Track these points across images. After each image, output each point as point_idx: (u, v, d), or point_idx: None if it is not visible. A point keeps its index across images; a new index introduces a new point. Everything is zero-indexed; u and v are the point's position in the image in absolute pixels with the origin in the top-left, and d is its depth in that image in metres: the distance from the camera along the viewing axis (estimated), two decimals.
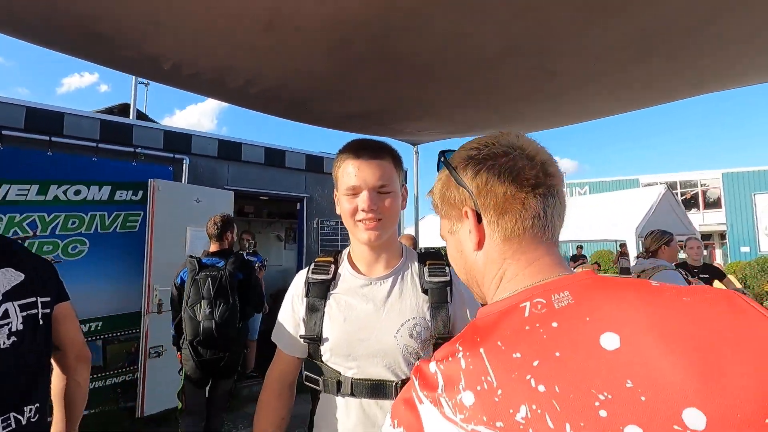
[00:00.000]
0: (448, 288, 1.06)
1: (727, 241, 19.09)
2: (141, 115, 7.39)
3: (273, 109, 1.89)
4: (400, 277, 1.09)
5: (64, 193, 3.67)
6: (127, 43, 1.27)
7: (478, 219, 0.61)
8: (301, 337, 1.09)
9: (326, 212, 5.45)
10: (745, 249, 17.97)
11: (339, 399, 1.03)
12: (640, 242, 9.15)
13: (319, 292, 1.09)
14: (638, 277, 3.11)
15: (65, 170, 3.70)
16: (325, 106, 1.68)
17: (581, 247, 10.84)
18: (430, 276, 1.07)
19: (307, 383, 1.11)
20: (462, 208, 0.63)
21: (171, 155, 4.26)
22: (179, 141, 4.37)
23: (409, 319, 1.02)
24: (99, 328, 3.76)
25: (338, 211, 1.10)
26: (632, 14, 1.11)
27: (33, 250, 3.51)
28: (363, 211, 1.02)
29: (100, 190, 3.83)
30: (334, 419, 1.05)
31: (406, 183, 1.14)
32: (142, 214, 4.01)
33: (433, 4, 1.04)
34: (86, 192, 3.77)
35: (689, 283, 3.07)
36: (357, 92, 1.49)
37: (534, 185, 0.58)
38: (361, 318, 1.04)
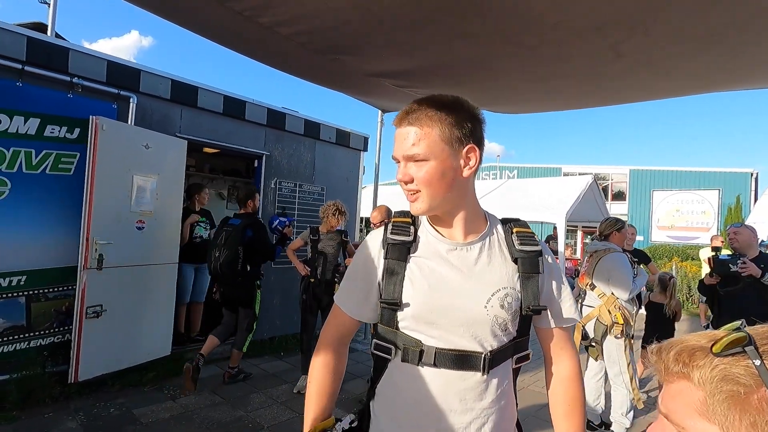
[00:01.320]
0: (540, 258, 1.03)
1: None
2: (60, 39, 6.30)
3: (294, 59, 1.68)
4: (488, 243, 1.03)
5: None
6: None
7: None
8: (380, 301, 1.01)
9: (285, 172, 5.16)
10: (639, 238, 20.55)
11: (419, 368, 0.98)
12: (566, 226, 10.01)
13: (399, 255, 1.01)
14: (590, 256, 3.38)
15: None
16: (362, 57, 1.52)
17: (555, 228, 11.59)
18: (521, 244, 1.03)
19: (375, 351, 1.04)
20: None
21: (116, 91, 3.69)
22: (126, 75, 3.79)
23: (500, 289, 0.98)
24: (22, 283, 3.25)
25: None
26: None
27: None
28: (399, 180, 0.99)
29: (25, 123, 3.22)
30: (409, 390, 0.99)
31: (473, 142, 0.97)
32: (78, 156, 3.46)
33: None
34: (8, 123, 3.14)
35: (634, 265, 3.39)
36: (410, 47, 1.36)
37: None
38: (448, 285, 0.98)
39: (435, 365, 0.97)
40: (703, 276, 3.73)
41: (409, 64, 1.54)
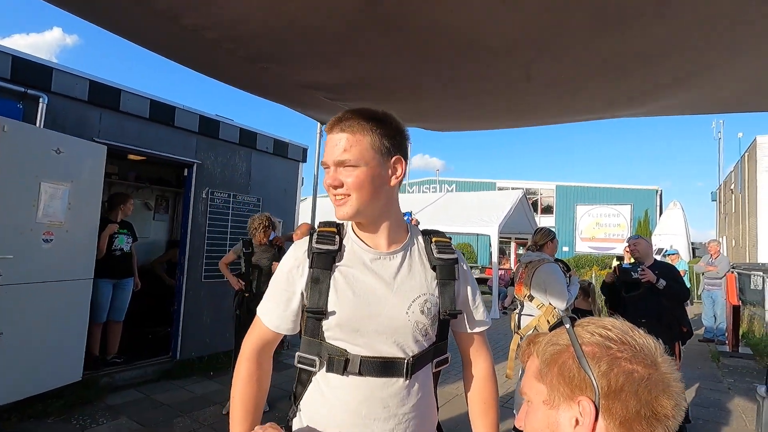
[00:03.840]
0: (456, 265, 1.08)
1: None
2: None
3: (222, 66, 1.63)
4: (408, 253, 1.07)
5: None
6: None
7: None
8: (305, 310, 1.01)
9: (218, 182, 4.95)
10: (565, 248, 22.24)
11: (343, 378, 0.98)
12: (498, 237, 10.54)
13: (324, 263, 1.01)
14: (526, 267, 3.52)
15: None
16: (296, 69, 1.50)
17: (450, 238, 12.00)
18: (439, 253, 1.07)
19: (299, 365, 1.03)
20: (578, 394, 0.60)
21: (22, 89, 3.35)
22: (35, 73, 3.45)
23: (419, 296, 1.02)
24: None
25: None
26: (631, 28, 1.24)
27: None
28: (327, 186, 1.01)
29: None
30: (333, 401, 0.99)
31: (400, 154, 1.02)
32: None
33: None
34: None
35: (566, 274, 3.42)
36: (344, 59, 1.37)
37: (669, 417, 0.56)
38: (372, 293, 1.00)
39: (360, 374, 0.98)
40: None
41: (338, 77, 1.56)
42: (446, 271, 1.07)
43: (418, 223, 6.84)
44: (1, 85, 3.25)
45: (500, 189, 22.89)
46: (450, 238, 1.15)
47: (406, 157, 1.06)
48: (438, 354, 1.09)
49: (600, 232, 22.84)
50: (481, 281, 12.56)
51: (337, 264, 1.03)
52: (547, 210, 24.78)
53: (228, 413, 3.53)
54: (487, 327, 1.17)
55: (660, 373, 0.58)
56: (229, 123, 5.04)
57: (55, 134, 3.42)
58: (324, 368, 1.00)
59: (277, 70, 1.66)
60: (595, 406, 0.57)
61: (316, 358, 1.01)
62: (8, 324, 3.08)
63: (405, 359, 0.99)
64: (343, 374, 0.98)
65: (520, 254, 10.87)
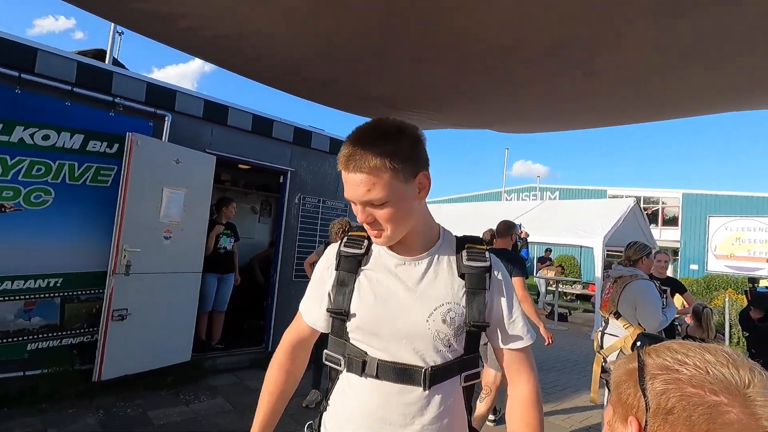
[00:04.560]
0: (487, 274, 1.01)
1: (678, 257, 20.24)
2: (117, 64, 6.91)
3: (286, 82, 1.76)
4: (435, 259, 1.03)
5: (31, 136, 3.37)
6: None
7: None
8: (327, 311, 1.05)
9: (309, 188, 5.31)
10: (694, 266, 19.11)
11: (362, 380, 0.99)
12: (605, 250, 9.53)
13: (350, 266, 1.04)
14: (615, 282, 3.19)
15: (34, 112, 3.39)
16: (347, 85, 1.57)
17: (550, 250, 11.18)
18: (468, 260, 1.02)
19: (327, 362, 1.06)
20: (630, 412, 0.57)
21: (152, 110, 3.99)
22: (163, 96, 4.10)
23: (442, 304, 0.98)
24: (59, 284, 3.52)
25: None
26: (689, 17, 1.08)
27: None
28: (360, 222, 1.00)
29: (71, 138, 3.55)
30: (354, 400, 1.01)
31: (422, 168, 0.97)
32: (116, 169, 3.75)
33: None
34: (56, 138, 3.48)
35: (662, 293, 3.15)
36: (387, 72, 1.39)
37: None
38: (392, 297, 0.99)
39: (377, 377, 0.98)
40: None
41: (391, 89, 1.58)
42: (475, 279, 1.01)
43: (528, 235, 6.49)
44: (137, 107, 3.90)
45: (613, 197, 20.63)
46: (485, 246, 1.08)
47: (427, 165, 1.01)
48: (466, 368, 1.03)
49: (741, 249, 19.16)
50: (584, 298, 11.46)
51: (363, 267, 1.04)
52: (671, 221, 21.57)
53: (307, 407, 3.74)
54: (526, 344, 1.07)
55: (744, 408, 0.47)
56: (320, 133, 5.38)
57: (175, 147, 4.01)
58: (346, 368, 1.02)
59: (344, 87, 1.73)
60: (640, 424, 0.54)
61: (341, 358, 1.03)
62: (135, 307, 3.67)
63: (423, 368, 0.96)
64: (361, 375, 0.99)
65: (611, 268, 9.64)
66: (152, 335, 3.81)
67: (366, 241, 1.07)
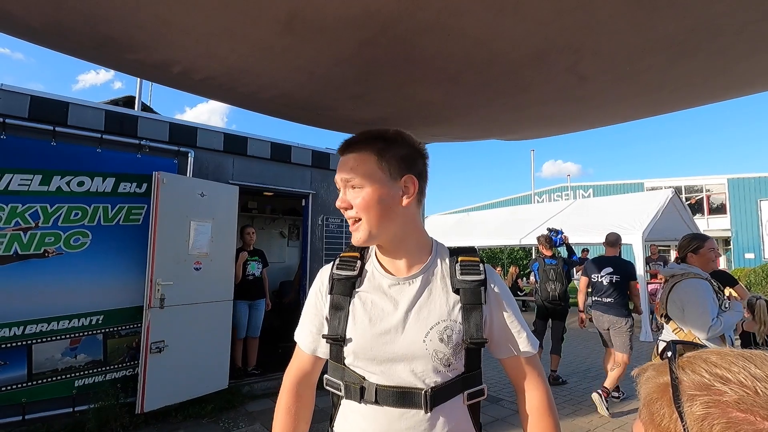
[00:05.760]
0: (482, 288, 0.98)
1: (731, 247, 18.96)
2: (146, 108, 7.33)
3: (285, 113, 1.81)
4: (429, 276, 1.01)
5: (67, 184, 3.61)
6: (136, 46, 1.17)
7: None
8: (323, 336, 1.02)
9: (331, 209, 5.38)
10: (749, 255, 17.84)
11: (362, 406, 0.96)
12: (648, 246, 9.06)
13: (343, 290, 1.02)
14: (666, 281, 2.91)
15: (69, 161, 3.64)
16: (340, 111, 1.60)
17: (587, 250, 10.74)
18: (462, 274, 0.99)
19: (327, 387, 1.04)
20: None
21: (176, 148, 4.19)
22: (184, 134, 4.30)
23: (439, 322, 0.95)
24: (100, 321, 3.70)
25: None
26: (673, 12, 1.03)
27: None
28: (338, 208, 1.00)
29: (103, 182, 3.77)
30: (355, 428, 0.98)
31: (412, 173, 0.98)
32: (145, 207, 3.94)
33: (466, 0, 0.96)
34: (89, 183, 3.71)
35: (718, 294, 2.66)
36: (374, 96, 1.41)
37: None
38: (388, 319, 0.97)
39: (377, 402, 0.95)
40: None
41: (379, 112, 1.59)
42: (470, 294, 0.97)
43: (567, 239, 6.33)
44: (161, 146, 4.11)
45: (650, 189, 19.71)
46: (480, 257, 1.05)
47: (421, 177, 1.02)
48: (469, 385, 0.99)
49: None
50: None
51: (357, 290, 1.02)
52: (719, 210, 20.31)
53: None
54: (531, 353, 1.02)
55: None
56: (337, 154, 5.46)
57: (200, 181, 4.17)
58: (344, 395, 0.99)
59: (331, 114, 1.76)
60: None
61: (341, 383, 1.00)
62: (171, 338, 3.79)
63: (423, 390, 0.93)
64: (360, 402, 0.96)
65: (657, 265, 9.04)
66: (189, 365, 3.92)
67: (359, 262, 1.06)
